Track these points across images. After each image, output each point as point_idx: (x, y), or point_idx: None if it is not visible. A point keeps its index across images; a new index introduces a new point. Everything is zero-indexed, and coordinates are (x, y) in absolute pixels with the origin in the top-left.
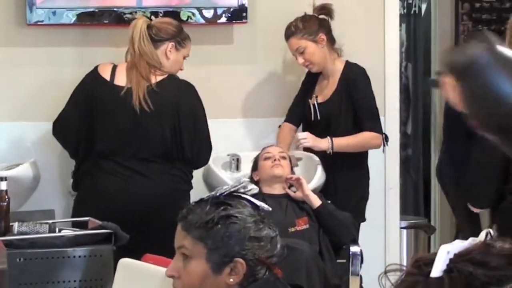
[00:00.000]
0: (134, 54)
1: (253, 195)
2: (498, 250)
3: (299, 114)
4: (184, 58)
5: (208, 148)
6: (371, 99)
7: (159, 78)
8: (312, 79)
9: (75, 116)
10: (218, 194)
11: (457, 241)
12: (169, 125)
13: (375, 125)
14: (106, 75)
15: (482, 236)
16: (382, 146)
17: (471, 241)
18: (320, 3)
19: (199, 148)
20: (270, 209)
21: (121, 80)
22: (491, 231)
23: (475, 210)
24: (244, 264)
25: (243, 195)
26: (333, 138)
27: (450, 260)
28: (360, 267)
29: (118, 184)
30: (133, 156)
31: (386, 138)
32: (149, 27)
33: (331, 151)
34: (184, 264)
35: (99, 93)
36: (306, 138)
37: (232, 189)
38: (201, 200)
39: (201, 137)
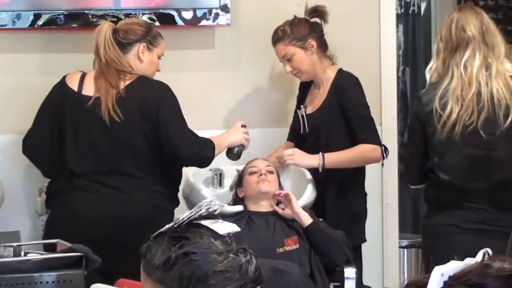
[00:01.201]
0: (101, 62)
1: (237, 213)
2: (496, 271)
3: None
4: (159, 58)
5: (191, 140)
6: (364, 108)
7: (128, 82)
8: (304, 89)
9: (45, 133)
10: (175, 225)
11: (452, 262)
12: (142, 131)
13: (371, 136)
14: (74, 86)
15: (479, 256)
16: (381, 159)
17: (467, 261)
18: (313, 5)
19: (181, 145)
20: (239, 229)
21: (89, 90)
22: (489, 251)
23: (412, 187)
24: None
25: (203, 223)
26: (325, 154)
27: (445, 283)
28: None
29: (94, 201)
30: (109, 171)
31: (385, 150)
32: (115, 31)
33: (322, 168)
34: None
35: (67, 105)
36: (292, 155)
37: (192, 217)
38: (160, 233)
39: (177, 133)
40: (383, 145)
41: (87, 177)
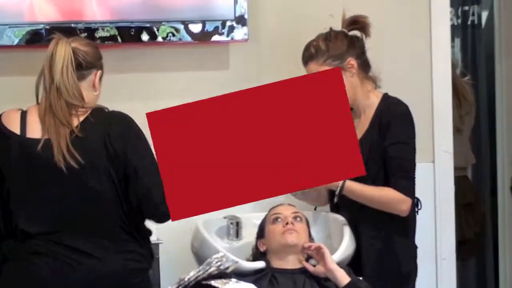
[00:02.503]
0: (50, 91)
1: (258, 271)
2: None
3: None
4: None
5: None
6: (406, 148)
7: (82, 118)
8: None
9: None
10: (181, 287)
11: None
12: (108, 175)
13: (405, 184)
14: (15, 128)
15: None
16: (409, 213)
17: None
18: (352, 15)
19: (149, 193)
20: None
21: (35, 131)
22: None
23: None
24: None
25: (214, 283)
26: (348, 181)
27: None
28: None
29: (56, 267)
30: (71, 230)
31: (417, 204)
32: (73, 51)
33: (339, 191)
34: None
35: (10, 154)
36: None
37: (200, 276)
38: None
39: (151, 173)
40: (416, 197)
41: (45, 238)
